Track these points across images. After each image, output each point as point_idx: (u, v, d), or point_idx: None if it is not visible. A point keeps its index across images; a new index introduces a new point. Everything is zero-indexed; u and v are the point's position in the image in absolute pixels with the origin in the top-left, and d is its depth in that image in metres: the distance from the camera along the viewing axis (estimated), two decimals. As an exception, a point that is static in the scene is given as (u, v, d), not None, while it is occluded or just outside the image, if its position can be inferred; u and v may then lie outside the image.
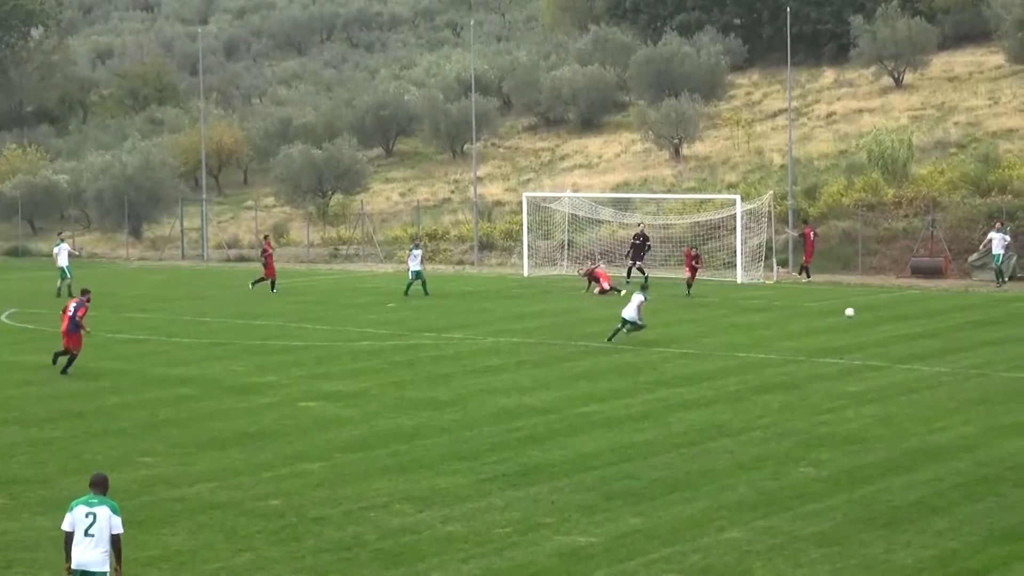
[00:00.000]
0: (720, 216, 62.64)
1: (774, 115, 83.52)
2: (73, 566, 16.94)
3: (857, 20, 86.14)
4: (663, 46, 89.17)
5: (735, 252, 59.22)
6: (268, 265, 57.90)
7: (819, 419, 29.78)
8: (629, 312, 40.76)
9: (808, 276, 58.48)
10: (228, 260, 75.41)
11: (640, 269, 58.00)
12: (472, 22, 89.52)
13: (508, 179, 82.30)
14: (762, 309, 49.58)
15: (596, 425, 29.48)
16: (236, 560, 20.57)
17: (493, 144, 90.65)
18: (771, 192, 62.80)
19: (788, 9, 68.87)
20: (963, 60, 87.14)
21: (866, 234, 61.33)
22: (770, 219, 60.91)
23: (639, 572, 19.80)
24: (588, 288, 55.18)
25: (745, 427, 29.03)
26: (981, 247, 57.29)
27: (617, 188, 73.61)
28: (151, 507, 23.17)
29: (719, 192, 67.83)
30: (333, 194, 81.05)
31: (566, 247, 64.80)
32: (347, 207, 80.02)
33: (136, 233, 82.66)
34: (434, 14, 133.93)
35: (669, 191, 71.28)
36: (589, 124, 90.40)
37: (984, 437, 27.83)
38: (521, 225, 65.23)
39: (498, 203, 76.92)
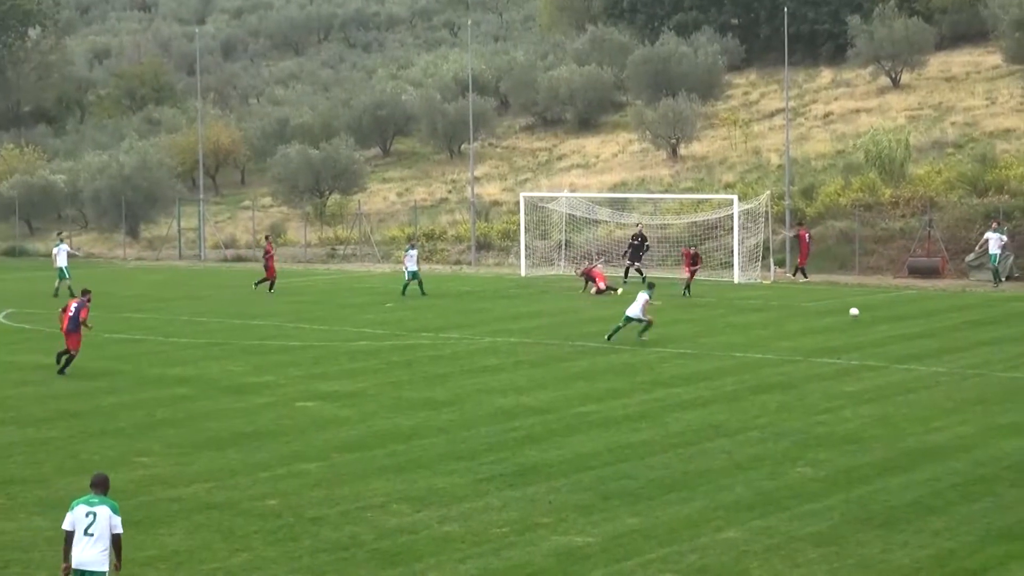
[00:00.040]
0: (717, 216, 62.66)
1: (771, 115, 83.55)
2: (74, 565, 16.95)
3: (854, 20, 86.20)
4: (660, 46, 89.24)
5: (732, 252, 59.23)
6: (269, 266, 57.93)
7: (816, 419, 29.78)
8: (634, 310, 40.77)
9: (805, 276, 58.51)
10: (225, 260, 75.41)
11: (638, 270, 58.01)
12: (469, 22, 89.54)
13: (505, 179, 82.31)
14: (759, 309, 49.59)
15: (593, 425, 29.48)
16: (233, 560, 20.55)
17: (490, 144, 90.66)
18: (768, 192, 62.83)
19: (785, 9, 68.88)
20: (960, 60, 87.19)
21: (863, 234, 61.35)
22: (767, 219, 60.93)
23: (636, 572, 19.79)
24: (585, 288, 55.18)
25: (742, 427, 29.03)
26: (978, 247, 57.32)
27: (614, 188, 73.65)
28: (148, 507, 23.15)
29: (716, 192, 67.87)
30: (330, 194, 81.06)
31: (563, 247, 64.81)
32: (344, 207, 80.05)
33: (133, 233, 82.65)
34: (431, 14, 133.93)
35: (666, 191, 71.31)
36: (586, 124, 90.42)
37: (981, 437, 27.83)
38: (518, 225, 65.24)
39: (495, 203, 76.93)
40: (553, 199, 66.26)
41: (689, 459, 26.25)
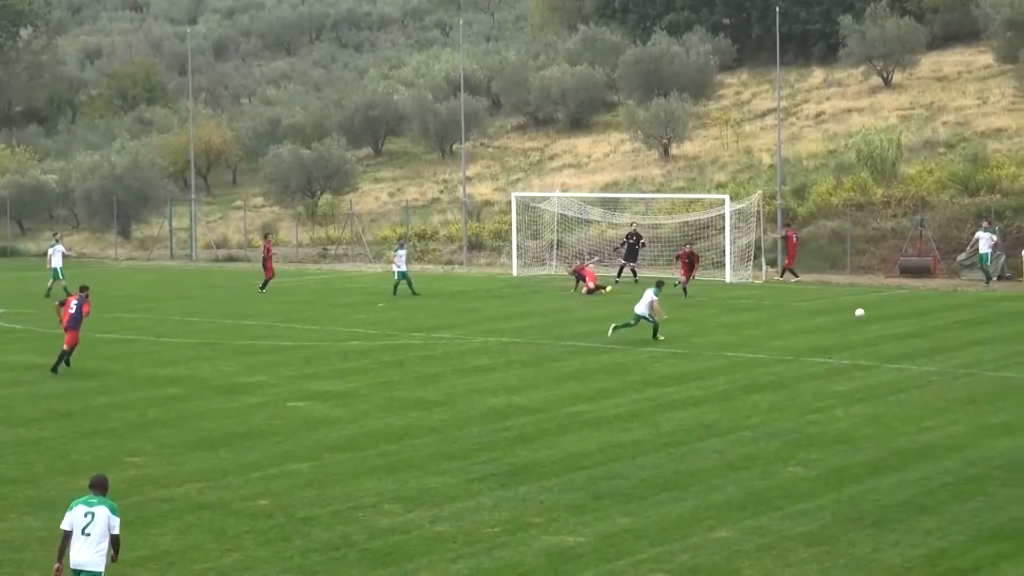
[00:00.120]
0: (709, 216, 62.68)
1: (763, 115, 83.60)
2: (71, 565, 16.97)
3: (846, 20, 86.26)
4: (652, 46, 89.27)
5: (724, 252, 59.25)
6: (267, 266, 57.94)
7: (808, 419, 29.80)
8: (641, 308, 40.82)
9: (796, 276, 58.52)
10: (217, 260, 75.35)
11: (633, 271, 58.02)
12: (461, 22, 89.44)
13: (497, 179, 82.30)
14: (751, 309, 49.62)
15: (585, 425, 29.48)
16: (224, 560, 20.54)
17: (482, 144, 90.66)
18: (760, 192, 62.82)
19: (777, 9, 68.91)
20: (952, 60, 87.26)
21: (855, 234, 61.38)
22: (759, 219, 60.94)
23: (627, 572, 19.79)
24: (576, 287, 55.18)
25: (734, 427, 29.05)
26: (969, 247, 57.37)
27: (606, 188, 73.66)
28: (139, 507, 23.13)
29: (708, 192, 67.87)
30: (322, 194, 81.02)
31: (555, 247, 64.81)
32: (336, 207, 79.99)
33: (125, 233, 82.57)
34: (423, 14, 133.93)
35: (658, 191, 71.33)
36: (578, 124, 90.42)
37: (972, 436, 27.86)
38: (510, 225, 65.21)
39: (487, 203, 76.92)
40: (545, 199, 66.25)
41: (681, 459, 26.26)
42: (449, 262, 69.61)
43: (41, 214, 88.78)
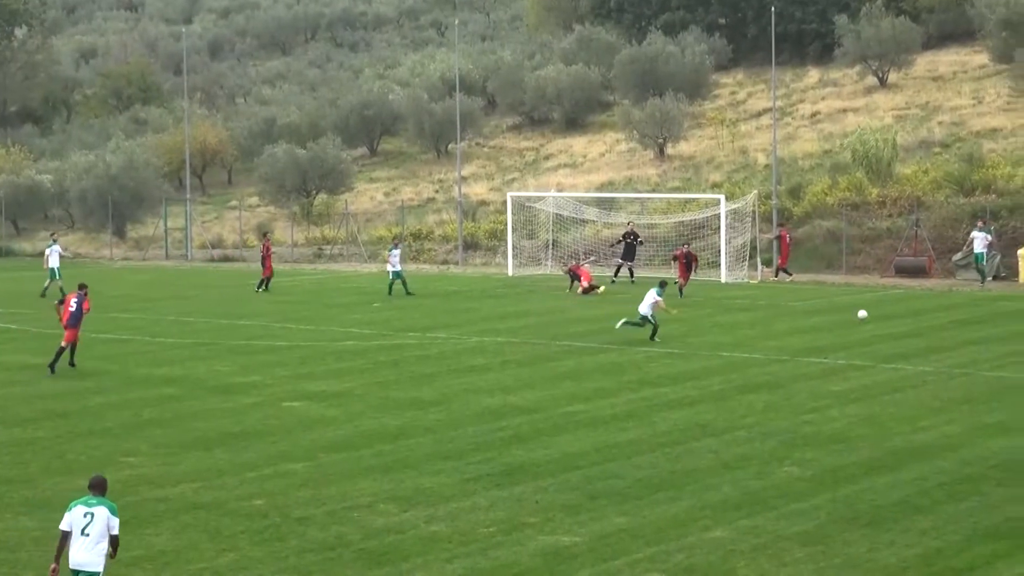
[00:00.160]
0: (704, 216, 62.70)
1: (758, 114, 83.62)
2: (70, 565, 16.97)
3: (841, 20, 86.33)
4: (648, 46, 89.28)
5: (719, 252, 59.26)
6: (266, 264, 57.97)
7: (803, 418, 29.80)
8: (644, 308, 40.84)
9: (790, 275, 58.54)
10: (212, 260, 75.33)
11: (630, 270, 58.00)
12: (456, 22, 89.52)
13: (492, 179, 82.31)
14: (746, 308, 49.63)
15: (580, 425, 29.47)
16: (220, 560, 20.53)
17: (477, 144, 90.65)
18: (755, 192, 62.86)
19: (773, 9, 68.90)
20: (947, 59, 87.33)
21: (850, 233, 61.42)
22: (754, 219, 60.96)
23: (623, 572, 19.79)
24: (571, 287, 55.18)
25: (729, 426, 29.05)
26: (965, 247, 57.40)
27: (602, 188, 73.68)
28: (135, 507, 23.10)
29: (703, 192, 67.91)
30: (317, 194, 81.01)
31: (550, 247, 64.82)
32: (331, 207, 80.00)
33: (120, 233, 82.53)
34: (418, 14, 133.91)
35: (654, 191, 71.35)
36: (573, 124, 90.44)
37: (968, 436, 27.87)
38: (505, 225, 65.24)
39: (482, 203, 76.94)
40: (540, 199, 66.26)
41: (676, 458, 26.25)
42: (444, 262, 69.60)
43: (36, 214, 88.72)
